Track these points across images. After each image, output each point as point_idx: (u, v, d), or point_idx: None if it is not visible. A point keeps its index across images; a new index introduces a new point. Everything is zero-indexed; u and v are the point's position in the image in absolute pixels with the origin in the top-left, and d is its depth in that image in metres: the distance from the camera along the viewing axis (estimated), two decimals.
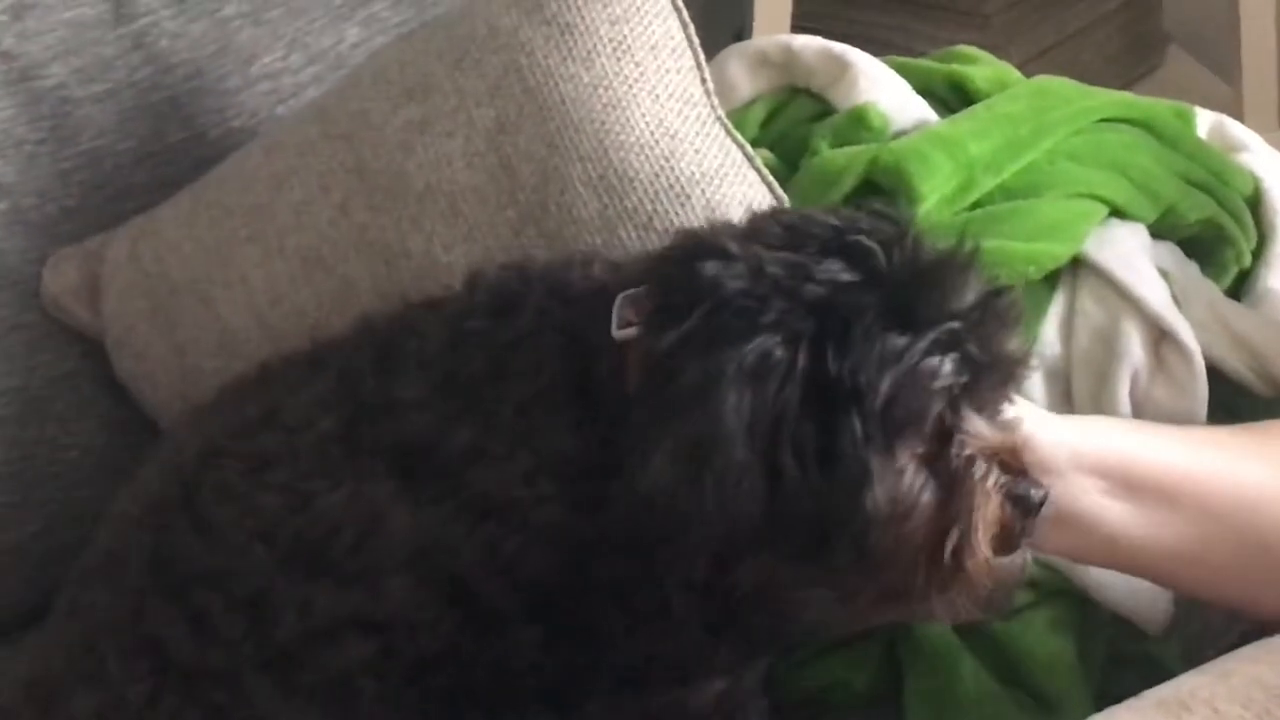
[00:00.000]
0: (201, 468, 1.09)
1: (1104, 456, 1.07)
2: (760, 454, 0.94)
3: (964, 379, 0.98)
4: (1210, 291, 1.32)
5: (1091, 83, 1.40)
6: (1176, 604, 1.20)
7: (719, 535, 0.96)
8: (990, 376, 1.00)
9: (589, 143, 1.18)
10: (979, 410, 1.01)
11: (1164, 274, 1.29)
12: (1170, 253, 1.33)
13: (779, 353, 0.95)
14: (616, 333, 1.00)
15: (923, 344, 0.96)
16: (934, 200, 1.24)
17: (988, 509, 0.99)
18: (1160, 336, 1.26)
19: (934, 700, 1.19)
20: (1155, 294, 1.26)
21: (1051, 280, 1.27)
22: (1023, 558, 1.02)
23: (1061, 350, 1.26)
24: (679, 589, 1.00)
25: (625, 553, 0.98)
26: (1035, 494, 1.01)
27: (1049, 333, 1.27)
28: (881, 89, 1.33)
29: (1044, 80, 1.37)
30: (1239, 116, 1.53)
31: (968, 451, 0.99)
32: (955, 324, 0.97)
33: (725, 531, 0.95)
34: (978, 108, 1.32)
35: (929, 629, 1.20)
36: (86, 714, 1.07)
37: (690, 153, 1.19)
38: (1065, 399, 1.26)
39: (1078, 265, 1.28)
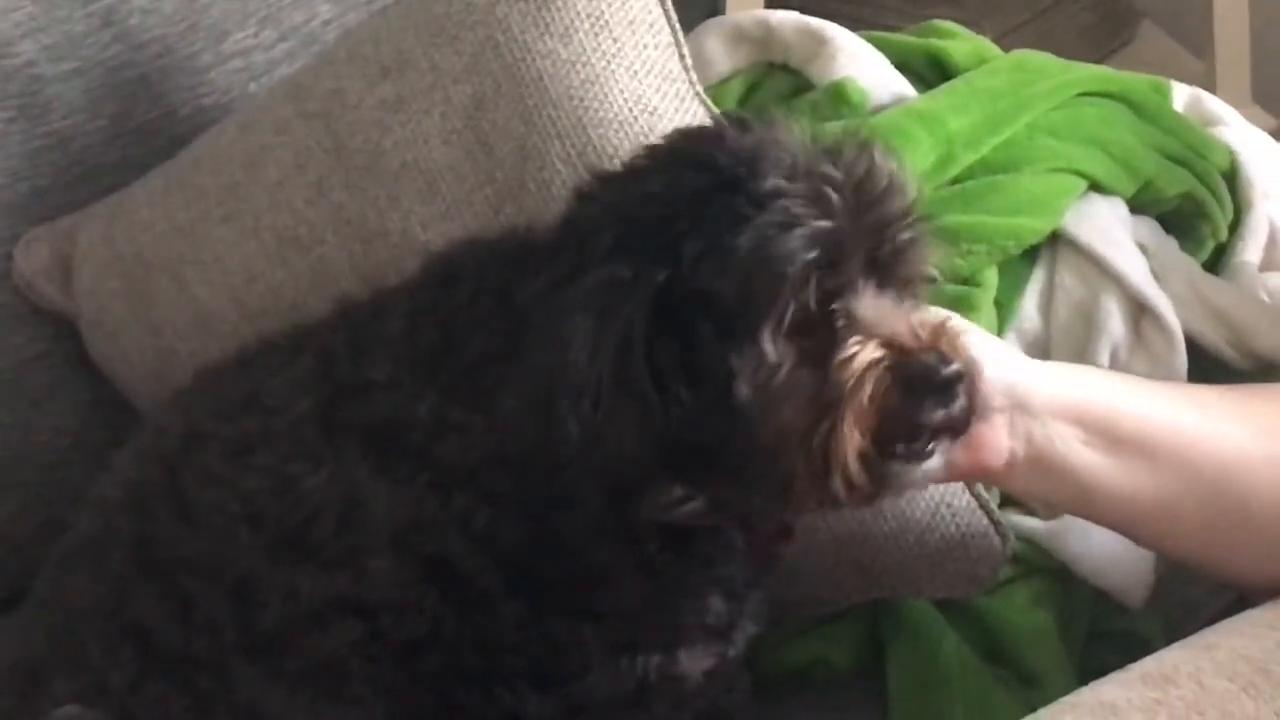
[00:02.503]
0: (183, 452, 1.08)
1: (1086, 405, 1.04)
2: (615, 380, 0.92)
3: (812, 255, 0.92)
4: (1188, 266, 1.32)
5: (1064, 58, 1.40)
6: (1157, 578, 1.21)
7: (599, 470, 0.94)
8: (855, 246, 0.93)
9: (567, 119, 1.17)
10: (875, 287, 0.95)
11: (1142, 248, 1.30)
12: (1148, 227, 1.33)
13: (620, 276, 0.93)
14: None
15: (760, 229, 0.91)
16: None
17: (861, 393, 0.92)
18: (1140, 311, 1.26)
19: (916, 677, 1.19)
20: (1135, 269, 1.26)
21: (1031, 255, 1.28)
22: (937, 460, 0.94)
23: (1041, 325, 1.27)
24: (591, 535, 0.98)
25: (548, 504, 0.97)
26: (940, 370, 0.93)
27: (1028, 307, 1.27)
28: (860, 64, 1.32)
29: (1023, 55, 1.37)
30: (1211, 91, 1.53)
31: (845, 334, 0.93)
32: (788, 200, 0.92)
33: (603, 465, 0.93)
34: (956, 83, 1.32)
35: (911, 605, 1.21)
36: (67, 699, 1.06)
37: (669, 129, 1.18)
38: None
39: (1057, 240, 1.28)
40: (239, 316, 1.28)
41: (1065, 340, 1.26)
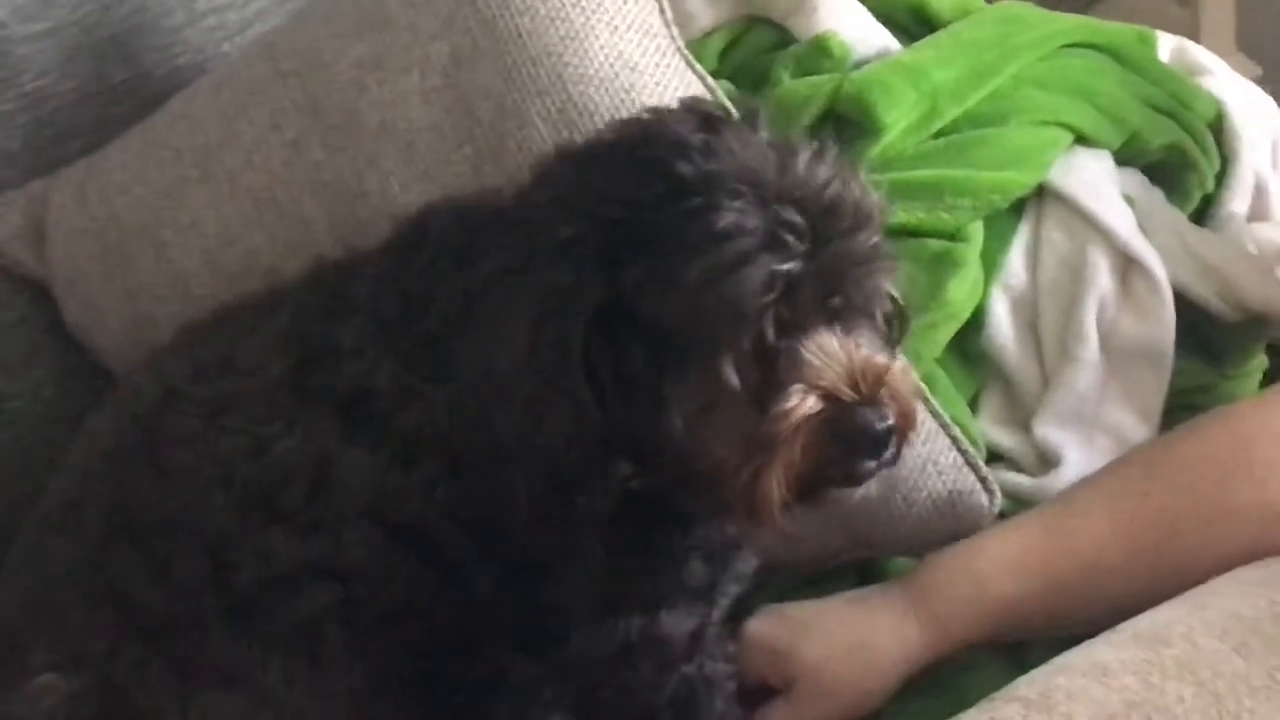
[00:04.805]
0: (160, 413, 1.07)
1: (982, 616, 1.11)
2: (549, 385, 0.92)
3: (770, 297, 0.91)
4: (1175, 218, 1.31)
5: (1048, 8, 1.38)
6: None
7: (531, 467, 0.93)
8: (809, 287, 0.92)
9: (547, 76, 1.16)
10: (827, 321, 0.94)
11: (1129, 201, 1.29)
12: (1135, 179, 1.32)
13: (561, 283, 0.92)
14: None
15: (709, 266, 0.90)
16: (898, 130, 1.22)
17: (794, 444, 0.92)
18: (1127, 264, 1.25)
19: None
20: (1122, 222, 1.25)
21: (1017, 209, 1.26)
22: (860, 490, 0.95)
23: (1027, 280, 1.26)
24: (532, 526, 0.97)
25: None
26: (875, 426, 0.93)
27: (1015, 262, 1.26)
28: (842, 17, 1.30)
29: (1007, 5, 1.35)
30: (1195, 40, 1.51)
31: (788, 378, 0.92)
32: (742, 240, 0.90)
33: (535, 463, 0.93)
34: (941, 34, 1.30)
35: (898, 564, 1.20)
36: (45, 669, 1.05)
37: (650, 85, 1.16)
38: (1031, 329, 1.25)
39: (1043, 194, 1.27)
40: (216, 280, 1.26)
41: (1052, 295, 1.25)
